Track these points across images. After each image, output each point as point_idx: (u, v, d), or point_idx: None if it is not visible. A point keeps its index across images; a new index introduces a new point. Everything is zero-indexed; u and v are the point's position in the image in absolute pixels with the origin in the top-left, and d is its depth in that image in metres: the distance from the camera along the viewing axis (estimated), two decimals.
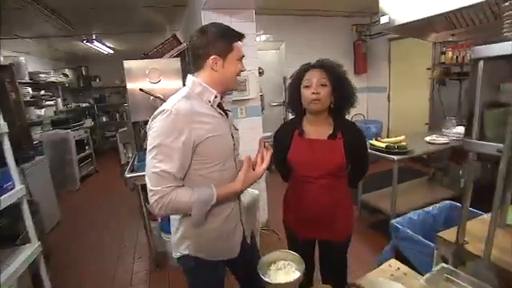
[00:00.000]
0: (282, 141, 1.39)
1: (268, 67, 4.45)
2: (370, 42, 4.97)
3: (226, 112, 1.11)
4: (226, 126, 1.07)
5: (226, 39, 1.01)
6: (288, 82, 1.41)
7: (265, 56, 4.51)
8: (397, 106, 4.96)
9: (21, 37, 3.78)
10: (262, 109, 2.62)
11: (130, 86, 2.46)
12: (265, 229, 2.75)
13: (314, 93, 1.24)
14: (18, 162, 2.71)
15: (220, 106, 1.08)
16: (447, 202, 2.03)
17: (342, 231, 1.36)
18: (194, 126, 0.94)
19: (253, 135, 2.53)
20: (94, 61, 6.40)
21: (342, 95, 1.26)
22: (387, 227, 1.83)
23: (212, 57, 0.99)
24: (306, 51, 4.53)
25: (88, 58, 6.22)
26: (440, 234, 1.25)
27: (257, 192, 2.21)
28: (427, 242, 1.53)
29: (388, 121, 5.08)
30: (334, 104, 1.28)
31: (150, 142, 0.94)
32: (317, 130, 1.32)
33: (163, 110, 0.94)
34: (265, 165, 1.08)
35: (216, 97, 1.03)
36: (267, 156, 1.10)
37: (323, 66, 1.27)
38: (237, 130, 1.17)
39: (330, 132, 1.28)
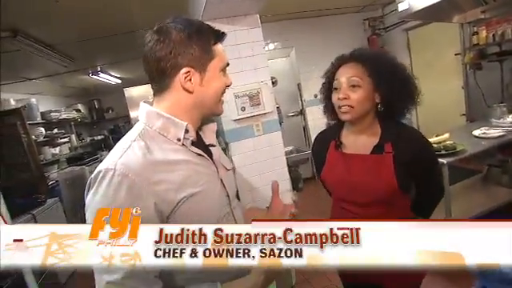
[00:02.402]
0: (319, 155, 1.09)
1: (280, 76, 4.21)
2: (386, 35, 4.61)
3: (208, 149, 0.78)
4: (210, 171, 0.74)
5: (203, 41, 0.69)
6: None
7: (275, 65, 4.26)
8: (424, 99, 4.43)
9: (27, 78, 3.77)
10: (281, 122, 2.33)
11: (134, 115, 2.27)
12: None
13: (340, 98, 0.94)
14: (28, 208, 2.63)
15: (198, 142, 0.76)
16: None
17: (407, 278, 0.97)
18: (157, 189, 0.61)
19: (273, 153, 2.24)
20: (106, 92, 6.41)
21: (393, 91, 0.92)
22: None
23: (184, 70, 0.68)
24: (319, 54, 4.22)
25: (99, 91, 6.24)
26: None
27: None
28: None
29: (416, 117, 4.63)
30: (381, 105, 0.95)
31: None
32: (357, 140, 0.99)
33: (99, 172, 0.61)
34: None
35: (187, 131, 0.70)
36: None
37: (356, 57, 0.95)
38: (229, 169, 0.84)
39: (375, 143, 0.95)
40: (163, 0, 2.31)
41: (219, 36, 0.73)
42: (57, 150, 4.56)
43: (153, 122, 0.70)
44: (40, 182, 3.37)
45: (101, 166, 0.63)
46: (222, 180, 0.76)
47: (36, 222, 2.56)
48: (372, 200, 0.94)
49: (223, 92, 0.76)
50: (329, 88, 1.01)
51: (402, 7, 2.57)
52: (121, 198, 0.58)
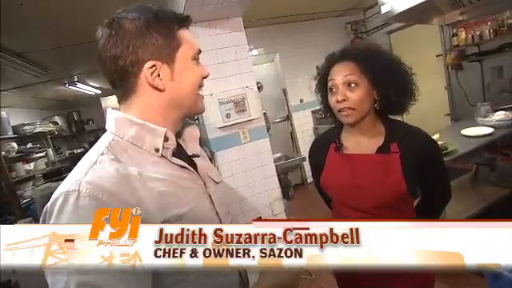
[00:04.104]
0: (317, 160, 1.01)
1: (265, 81, 4.15)
2: (368, 38, 4.66)
3: (192, 160, 0.67)
4: (196, 186, 0.63)
5: (165, 27, 0.58)
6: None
7: (260, 70, 4.20)
8: None
9: None
10: (268, 128, 2.25)
11: None
12: None
13: (339, 100, 0.86)
14: None
15: (179, 152, 0.65)
16: None
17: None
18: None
19: (261, 161, 2.15)
20: (85, 103, 6.16)
21: (391, 88, 0.86)
22: None
23: (148, 64, 0.57)
24: (303, 59, 4.26)
25: (78, 102, 5.99)
26: None
27: None
28: None
29: (402, 118, 4.67)
30: (379, 104, 0.89)
31: (55, 281, 0.47)
32: (359, 142, 0.93)
33: (58, 198, 0.49)
34: None
35: (167, 139, 0.59)
36: None
37: (349, 55, 0.89)
38: (218, 182, 0.72)
39: (380, 143, 0.89)
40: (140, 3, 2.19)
41: (183, 20, 0.62)
42: (31, 166, 4.29)
43: (124, 131, 0.58)
44: (11, 202, 3.13)
45: (59, 190, 0.50)
46: (210, 196, 0.66)
47: None
48: (378, 204, 0.87)
49: (201, 85, 0.65)
50: (324, 88, 0.94)
51: (384, 9, 2.60)
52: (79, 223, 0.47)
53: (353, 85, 0.86)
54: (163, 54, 0.58)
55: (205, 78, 0.65)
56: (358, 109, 0.86)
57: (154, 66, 0.57)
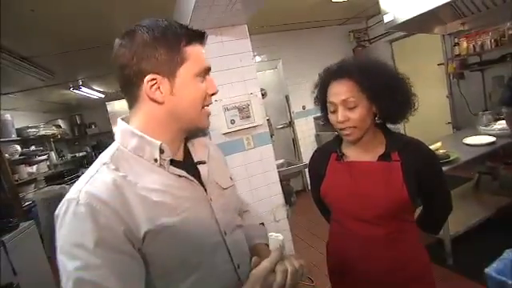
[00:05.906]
0: (317, 170, 1.00)
1: (268, 88, 4.19)
2: (370, 46, 4.71)
3: (196, 167, 0.68)
4: (195, 195, 0.64)
5: (171, 42, 0.59)
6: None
7: (263, 77, 4.24)
8: None
9: (1, 93, 3.56)
10: (272, 135, 2.26)
11: None
12: None
13: (340, 121, 0.87)
14: None
15: (186, 160, 0.68)
16: None
17: None
18: (126, 218, 0.53)
19: (264, 167, 2.16)
20: (88, 107, 6.22)
21: (390, 103, 0.86)
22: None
23: (148, 77, 0.58)
24: (306, 66, 4.29)
25: (81, 106, 6.04)
26: None
27: (281, 237, 1.80)
28: None
29: (404, 128, 4.69)
30: (380, 116, 0.89)
31: (62, 273, 0.51)
32: (361, 151, 0.93)
33: (63, 204, 0.54)
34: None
35: (163, 151, 0.60)
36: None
37: (346, 72, 0.86)
38: (225, 188, 0.73)
39: (381, 152, 0.89)
40: (147, 10, 2.23)
41: (194, 36, 0.62)
42: (34, 169, 4.31)
43: (127, 142, 0.61)
44: (14, 204, 3.13)
45: (66, 197, 0.55)
46: (211, 206, 0.65)
47: (6, 248, 2.33)
48: (381, 213, 0.86)
49: (205, 102, 0.65)
50: (323, 102, 0.94)
51: (387, 19, 2.63)
52: (88, 230, 0.50)
53: (352, 105, 0.85)
54: (165, 68, 0.59)
55: (212, 95, 0.66)
56: (359, 126, 0.86)
57: (153, 79, 0.59)
